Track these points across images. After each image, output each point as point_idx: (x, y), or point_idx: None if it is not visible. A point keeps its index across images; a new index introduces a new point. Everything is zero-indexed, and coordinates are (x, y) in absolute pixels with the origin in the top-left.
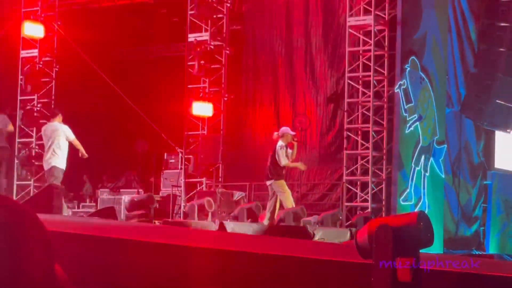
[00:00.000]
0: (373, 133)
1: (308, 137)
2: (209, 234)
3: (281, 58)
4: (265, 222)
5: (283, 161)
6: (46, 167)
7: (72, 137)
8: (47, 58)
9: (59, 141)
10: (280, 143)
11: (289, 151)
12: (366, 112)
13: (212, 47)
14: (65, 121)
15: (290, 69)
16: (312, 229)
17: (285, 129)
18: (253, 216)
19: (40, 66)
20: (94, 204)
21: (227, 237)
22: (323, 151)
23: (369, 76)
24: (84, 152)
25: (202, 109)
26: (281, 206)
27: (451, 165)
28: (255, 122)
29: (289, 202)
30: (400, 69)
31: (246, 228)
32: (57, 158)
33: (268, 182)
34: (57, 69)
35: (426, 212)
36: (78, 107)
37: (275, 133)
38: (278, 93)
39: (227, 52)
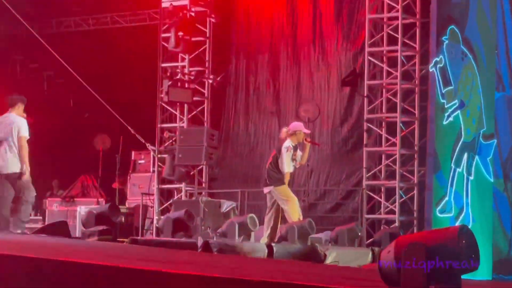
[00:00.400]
0: (401, 124)
1: (317, 131)
2: (191, 257)
3: (281, 28)
4: (263, 240)
5: (286, 167)
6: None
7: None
8: None
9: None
10: (288, 143)
11: (299, 153)
12: (392, 98)
13: (193, 13)
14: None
15: (294, 42)
16: (324, 249)
17: (296, 125)
18: (246, 233)
19: None
20: (41, 217)
21: (213, 260)
22: (336, 149)
23: (396, 51)
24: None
25: (180, 94)
26: (283, 219)
27: (502, 165)
28: (249, 112)
29: (295, 213)
30: (435, 42)
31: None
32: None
33: (266, 189)
34: None
35: (469, 226)
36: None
37: (284, 129)
38: (278, 73)
39: (213, 20)
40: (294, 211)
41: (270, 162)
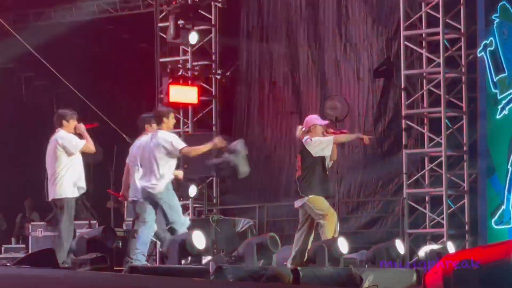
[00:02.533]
0: (447, 121)
1: (346, 132)
2: (202, 286)
3: (299, 10)
4: (289, 262)
5: (318, 146)
6: None
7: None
8: None
9: None
10: (307, 136)
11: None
12: (434, 90)
13: None
14: None
15: (315, 27)
16: (359, 272)
17: (310, 119)
18: (267, 255)
19: None
20: (23, 245)
21: None
22: (370, 152)
23: (438, 33)
24: None
25: (183, 94)
26: (318, 238)
27: None
28: (264, 112)
29: (331, 230)
30: (484, 21)
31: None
32: None
33: (298, 203)
34: None
35: None
36: None
37: (299, 128)
38: (297, 65)
39: (219, 5)
40: (331, 228)
41: (298, 170)
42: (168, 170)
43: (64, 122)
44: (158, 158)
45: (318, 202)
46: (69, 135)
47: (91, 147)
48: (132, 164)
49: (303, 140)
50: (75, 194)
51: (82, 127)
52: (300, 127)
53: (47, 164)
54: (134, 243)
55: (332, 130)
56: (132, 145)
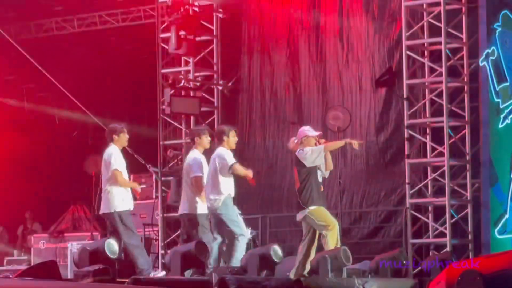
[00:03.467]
0: (449, 130)
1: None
2: None
3: (301, 20)
4: (292, 273)
5: (310, 156)
6: None
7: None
8: None
9: None
10: (300, 149)
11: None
12: (436, 99)
13: (196, 9)
14: None
15: (316, 37)
16: (362, 282)
17: (302, 130)
18: (269, 266)
19: None
20: (26, 257)
21: None
22: (372, 162)
23: (439, 43)
24: None
25: (185, 105)
26: (321, 248)
27: None
28: (266, 122)
29: (333, 240)
30: (486, 30)
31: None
32: None
33: (299, 215)
34: None
35: None
36: None
37: (292, 140)
38: (299, 75)
39: (220, 16)
40: (333, 238)
41: (296, 183)
42: (224, 185)
43: (114, 136)
44: (214, 173)
45: (319, 213)
46: (110, 154)
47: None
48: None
49: (296, 153)
50: (125, 207)
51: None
52: (293, 139)
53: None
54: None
55: (324, 141)
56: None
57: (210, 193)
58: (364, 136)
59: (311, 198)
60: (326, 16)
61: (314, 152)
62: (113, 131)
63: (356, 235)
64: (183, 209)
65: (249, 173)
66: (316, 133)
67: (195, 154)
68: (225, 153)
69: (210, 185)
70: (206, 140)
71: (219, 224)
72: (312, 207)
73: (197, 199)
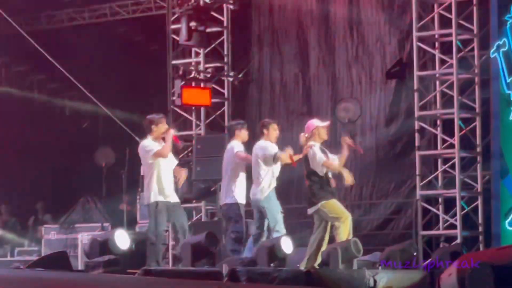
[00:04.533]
0: (460, 122)
1: (358, 133)
2: None
3: (310, 12)
4: (302, 265)
5: (318, 158)
6: None
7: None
8: None
9: None
10: (308, 144)
11: (332, 156)
12: (447, 91)
13: (208, 0)
14: None
15: (326, 28)
16: (373, 274)
17: (311, 123)
18: (280, 257)
19: None
20: (36, 248)
21: None
22: (382, 154)
23: (450, 35)
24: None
25: (195, 96)
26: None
27: None
28: (275, 114)
29: (345, 232)
30: (497, 22)
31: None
32: None
33: (311, 210)
34: None
35: None
36: (4, 102)
37: (302, 135)
38: (308, 66)
39: (231, 7)
40: (345, 230)
41: (306, 178)
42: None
43: (153, 127)
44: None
45: (331, 206)
46: (144, 144)
47: (164, 152)
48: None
49: (305, 149)
50: (159, 198)
51: (170, 134)
52: (302, 134)
53: None
54: None
55: (348, 141)
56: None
57: (252, 185)
58: (374, 128)
59: (321, 192)
60: (336, 7)
61: (315, 159)
62: (151, 121)
63: (366, 227)
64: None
65: (292, 156)
66: (325, 123)
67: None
68: (267, 144)
69: (253, 178)
70: (245, 133)
71: (260, 216)
72: (323, 201)
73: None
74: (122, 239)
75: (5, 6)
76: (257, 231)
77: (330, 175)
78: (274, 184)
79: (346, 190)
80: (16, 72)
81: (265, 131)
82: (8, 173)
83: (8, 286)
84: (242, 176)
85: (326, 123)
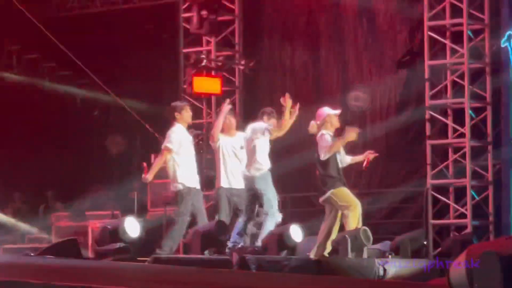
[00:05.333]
0: (470, 112)
1: (368, 122)
2: (225, 276)
3: (321, 0)
4: (312, 253)
5: (322, 154)
6: None
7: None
8: None
9: None
10: (321, 132)
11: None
12: (458, 80)
13: None
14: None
15: (336, 16)
16: (382, 263)
17: (322, 111)
18: (289, 246)
19: None
20: (46, 235)
21: (252, 280)
22: (392, 143)
23: (461, 24)
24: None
25: (206, 84)
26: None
27: None
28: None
29: (354, 220)
30: (508, 11)
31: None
32: None
33: (322, 198)
34: None
35: None
36: (15, 90)
37: (312, 124)
38: (318, 54)
39: None
40: (354, 218)
41: (317, 166)
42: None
43: (176, 114)
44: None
45: (341, 194)
46: (169, 132)
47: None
48: None
49: (317, 137)
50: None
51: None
52: (312, 122)
53: None
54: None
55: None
56: None
57: (248, 167)
58: (384, 116)
59: (332, 180)
60: None
61: (324, 150)
62: (174, 108)
63: (376, 216)
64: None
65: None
66: (336, 111)
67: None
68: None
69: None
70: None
71: (252, 199)
72: (334, 189)
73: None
74: (132, 227)
75: None
76: (246, 216)
77: (340, 164)
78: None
79: (355, 179)
80: (27, 60)
81: (265, 117)
82: (19, 161)
83: (18, 273)
84: None
85: (338, 111)
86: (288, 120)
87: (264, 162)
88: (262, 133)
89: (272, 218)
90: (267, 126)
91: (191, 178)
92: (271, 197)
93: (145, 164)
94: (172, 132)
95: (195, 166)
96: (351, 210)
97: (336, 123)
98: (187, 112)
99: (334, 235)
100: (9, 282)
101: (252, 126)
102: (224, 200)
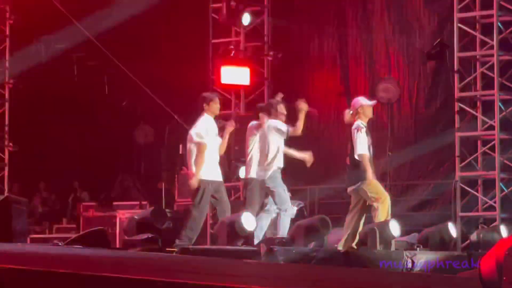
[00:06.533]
0: (500, 104)
1: (397, 114)
2: (253, 268)
3: None
4: (340, 245)
5: (359, 148)
6: None
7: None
8: None
9: None
10: (357, 124)
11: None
12: (488, 72)
13: None
14: (28, 99)
15: (363, 8)
16: (411, 255)
17: (357, 100)
18: (317, 237)
19: None
20: (74, 225)
21: (280, 271)
22: (421, 134)
23: (492, 16)
24: None
25: (234, 75)
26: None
27: None
28: (314, 92)
29: (384, 213)
30: None
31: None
32: None
33: (350, 188)
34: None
35: None
36: (43, 80)
37: (347, 112)
38: (346, 45)
39: None
40: (384, 211)
41: (348, 156)
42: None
43: (204, 105)
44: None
45: (372, 186)
46: (197, 123)
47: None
48: None
49: (352, 130)
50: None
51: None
52: (347, 110)
53: None
54: None
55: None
56: None
57: (258, 164)
58: (413, 109)
59: (362, 173)
60: None
61: (360, 146)
62: (204, 99)
63: (404, 207)
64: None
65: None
66: (371, 102)
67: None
68: (276, 123)
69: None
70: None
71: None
72: (365, 180)
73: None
74: (160, 217)
75: None
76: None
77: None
78: (281, 163)
79: (383, 169)
80: (56, 50)
81: (272, 111)
82: (47, 151)
83: (47, 263)
84: None
85: (372, 102)
86: (302, 123)
87: (275, 162)
88: (280, 133)
89: (286, 212)
90: (287, 128)
91: (211, 171)
92: (281, 192)
93: (186, 169)
94: (200, 123)
95: (217, 159)
96: (381, 202)
97: (369, 114)
98: (215, 104)
99: (361, 226)
100: (38, 272)
101: (270, 124)
102: (257, 190)
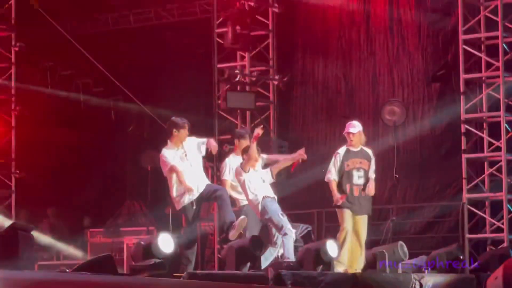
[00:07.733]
0: (506, 125)
1: (402, 136)
2: None
3: (351, 14)
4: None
5: (327, 175)
6: None
7: None
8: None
9: None
10: (340, 150)
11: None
12: (494, 94)
13: (252, 3)
14: (28, 121)
15: (367, 29)
16: (418, 277)
17: (349, 126)
18: (325, 261)
19: None
20: (82, 251)
21: None
22: (427, 156)
23: (497, 37)
24: None
25: (240, 99)
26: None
27: None
28: (318, 117)
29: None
30: None
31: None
32: None
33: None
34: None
35: None
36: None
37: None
38: (350, 68)
39: (276, 10)
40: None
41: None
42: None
43: (174, 131)
44: None
45: (339, 214)
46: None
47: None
48: None
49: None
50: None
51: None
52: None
53: None
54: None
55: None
56: None
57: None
58: (418, 130)
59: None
60: (376, 8)
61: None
62: (173, 125)
63: (411, 230)
64: None
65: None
66: (347, 129)
67: None
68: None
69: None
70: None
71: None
72: (337, 208)
73: None
74: (166, 243)
75: (51, 11)
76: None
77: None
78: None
79: (390, 192)
80: (61, 76)
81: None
82: (53, 176)
83: None
84: None
85: (349, 130)
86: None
87: (259, 193)
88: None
89: (287, 236)
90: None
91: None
92: (279, 218)
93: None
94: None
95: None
96: (339, 233)
97: (348, 140)
98: (183, 131)
99: (356, 251)
100: None
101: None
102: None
